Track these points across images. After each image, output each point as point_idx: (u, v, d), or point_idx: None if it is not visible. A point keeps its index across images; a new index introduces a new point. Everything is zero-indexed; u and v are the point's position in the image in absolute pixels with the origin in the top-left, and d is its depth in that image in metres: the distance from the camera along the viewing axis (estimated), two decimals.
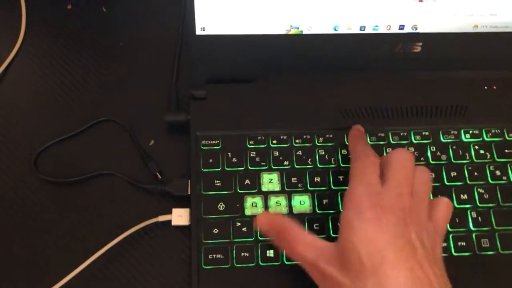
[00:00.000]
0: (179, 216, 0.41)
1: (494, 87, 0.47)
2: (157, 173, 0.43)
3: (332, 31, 0.43)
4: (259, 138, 0.43)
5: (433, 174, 0.43)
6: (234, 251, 0.39)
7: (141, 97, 0.47)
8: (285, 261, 0.39)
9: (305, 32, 0.43)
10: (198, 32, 0.42)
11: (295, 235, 0.35)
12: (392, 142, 0.44)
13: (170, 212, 0.41)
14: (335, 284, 0.33)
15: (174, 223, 0.41)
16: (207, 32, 0.43)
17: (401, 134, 0.44)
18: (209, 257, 0.39)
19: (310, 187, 0.42)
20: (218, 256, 0.39)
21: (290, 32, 0.43)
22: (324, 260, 0.34)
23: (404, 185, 0.35)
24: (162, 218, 0.41)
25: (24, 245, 0.41)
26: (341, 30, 0.44)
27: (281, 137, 0.43)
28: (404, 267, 0.31)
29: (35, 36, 0.49)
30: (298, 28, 0.43)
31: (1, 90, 0.47)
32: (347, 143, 0.43)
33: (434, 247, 0.35)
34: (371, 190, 0.35)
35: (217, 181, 0.42)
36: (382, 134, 0.44)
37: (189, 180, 0.42)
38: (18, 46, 0.48)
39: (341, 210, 0.41)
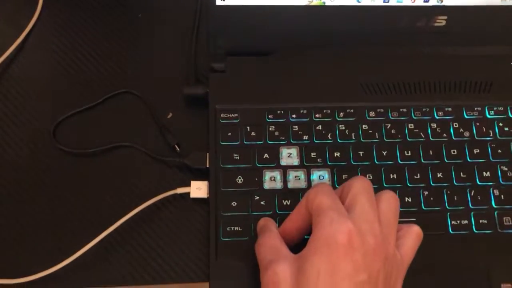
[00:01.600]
0: (198, 189, 0.41)
1: None
2: (175, 146, 0.43)
3: (355, 3, 0.42)
4: (278, 112, 0.43)
5: (455, 151, 0.42)
6: (253, 224, 0.39)
7: (160, 69, 0.47)
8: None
9: (327, 3, 0.42)
10: (219, 2, 0.42)
11: (267, 236, 0.35)
12: (414, 117, 0.43)
13: (188, 185, 0.41)
14: None
15: (192, 195, 0.41)
16: (228, 2, 0.42)
17: (424, 110, 0.43)
18: (227, 229, 0.39)
19: (330, 162, 0.41)
20: (237, 228, 0.39)
21: (312, 3, 0.42)
22: (280, 266, 0.32)
23: (371, 212, 0.33)
24: (180, 190, 0.41)
25: (44, 214, 0.41)
26: (365, 2, 0.42)
27: (301, 111, 0.43)
28: None
29: (54, 7, 0.49)
30: None
31: (20, 60, 0.47)
32: (368, 118, 0.43)
33: (396, 281, 0.33)
34: (341, 213, 0.32)
35: (236, 155, 0.41)
36: (405, 110, 0.43)
37: (207, 153, 0.42)
38: (37, 17, 0.48)
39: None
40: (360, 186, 0.34)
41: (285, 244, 0.35)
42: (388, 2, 0.43)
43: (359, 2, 0.42)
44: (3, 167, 0.43)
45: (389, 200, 0.34)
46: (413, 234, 0.35)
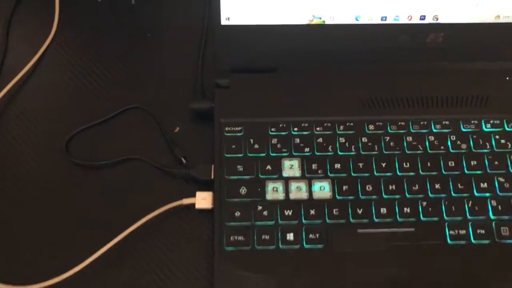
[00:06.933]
0: (203, 199, 0.42)
1: None
2: (182, 158, 0.45)
3: (353, 21, 0.44)
4: (280, 125, 0.44)
5: (452, 162, 0.43)
6: (255, 234, 0.40)
7: (168, 85, 0.49)
8: (304, 245, 0.40)
9: (327, 22, 0.44)
10: (223, 22, 0.44)
11: None
12: (412, 131, 0.44)
13: (194, 196, 0.43)
14: None
15: (197, 206, 0.42)
16: (232, 22, 0.44)
17: (421, 123, 0.45)
18: (231, 238, 0.40)
19: (330, 173, 0.43)
20: (240, 238, 0.40)
21: (312, 22, 0.44)
22: None
23: None
24: (186, 201, 0.42)
25: (53, 224, 0.43)
26: (363, 21, 0.44)
27: (302, 124, 0.44)
28: None
29: (67, 27, 0.52)
30: (320, 18, 0.44)
31: (34, 78, 0.49)
32: (367, 132, 0.44)
33: None
34: None
35: (240, 166, 0.43)
36: (403, 123, 0.45)
37: (212, 165, 0.43)
38: (51, 37, 0.51)
39: (360, 196, 0.42)
40: None
41: None
42: (385, 20, 0.44)
43: (357, 20, 0.44)
44: (16, 178, 0.45)
45: None
46: None
